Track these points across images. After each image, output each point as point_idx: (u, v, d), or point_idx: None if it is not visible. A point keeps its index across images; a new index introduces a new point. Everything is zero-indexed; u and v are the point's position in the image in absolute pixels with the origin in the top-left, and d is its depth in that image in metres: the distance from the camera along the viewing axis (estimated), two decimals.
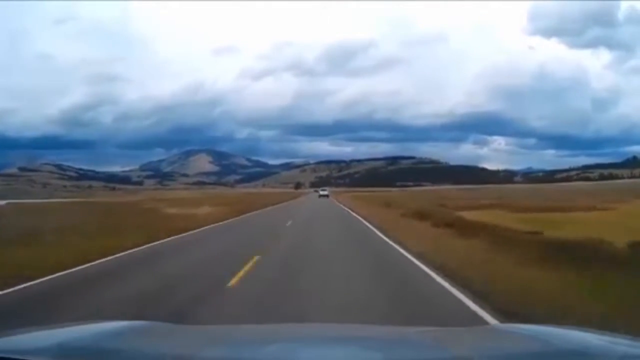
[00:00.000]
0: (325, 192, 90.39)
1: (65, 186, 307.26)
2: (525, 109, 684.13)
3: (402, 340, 2.37)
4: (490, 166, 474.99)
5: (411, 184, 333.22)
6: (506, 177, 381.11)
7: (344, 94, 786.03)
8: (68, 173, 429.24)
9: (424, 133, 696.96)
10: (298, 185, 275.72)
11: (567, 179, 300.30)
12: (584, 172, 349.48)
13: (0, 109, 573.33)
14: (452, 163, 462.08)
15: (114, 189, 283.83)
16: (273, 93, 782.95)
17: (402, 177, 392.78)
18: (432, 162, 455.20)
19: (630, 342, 2.00)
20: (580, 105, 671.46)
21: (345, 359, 2.03)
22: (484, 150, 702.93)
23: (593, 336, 2.12)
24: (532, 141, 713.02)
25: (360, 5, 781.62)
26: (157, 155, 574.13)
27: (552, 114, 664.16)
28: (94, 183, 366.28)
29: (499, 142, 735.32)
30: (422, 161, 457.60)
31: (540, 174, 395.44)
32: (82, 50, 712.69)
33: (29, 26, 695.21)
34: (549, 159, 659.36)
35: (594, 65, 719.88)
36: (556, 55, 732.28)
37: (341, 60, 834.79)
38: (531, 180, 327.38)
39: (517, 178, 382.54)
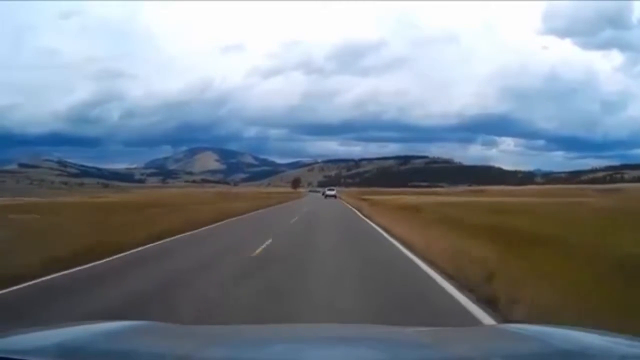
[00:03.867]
0: (333, 192, 77.55)
1: (52, 182, 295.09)
2: (535, 110, 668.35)
3: (402, 340, 2.36)
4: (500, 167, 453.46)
5: (425, 184, 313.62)
6: (524, 178, 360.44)
7: (353, 93, 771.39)
8: (69, 170, 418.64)
9: (433, 133, 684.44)
10: (296, 183, 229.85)
11: (597, 181, 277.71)
12: (616, 173, 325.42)
13: (5, 104, 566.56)
14: (466, 163, 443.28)
15: (106, 186, 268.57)
16: (282, 92, 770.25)
17: (415, 177, 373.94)
18: (445, 161, 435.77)
19: (630, 342, 1.98)
20: (590, 107, 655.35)
21: (345, 359, 2.01)
22: (493, 151, 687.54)
23: (593, 336, 2.11)
24: (540, 142, 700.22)
25: (370, 5, 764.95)
26: (165, 153, 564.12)
27: (561, 115, 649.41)
28: (97, 180, 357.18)
29: (508, 143, 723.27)
30: (434, 160, 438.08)
31: (563, 174, 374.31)
32: (89, 46, 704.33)
33: (33, 21, 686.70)
34: (558, 160, 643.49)
35: (605, 67, 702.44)
36: (568, 57, 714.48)
37: (351, 59, 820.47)
38: (553, 181, 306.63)
39: (538, 179, 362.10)
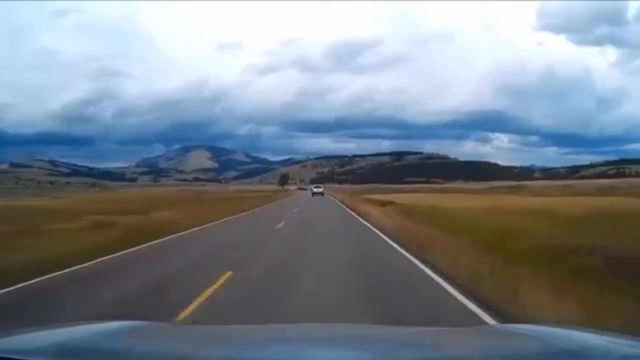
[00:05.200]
0: (320, 190, 79.16)
1: (40, 182, 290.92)
2: (529, 107, 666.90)
3: (402, 340, 2.37)
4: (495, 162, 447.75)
5: (421, 180, 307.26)
6: (522, 173, 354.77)
7: (347, 90, 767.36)
8: (61, 169, 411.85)
9: (426, 130, 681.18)
10: (284, 180, 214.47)
11: (602, 175, 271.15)
12: (621, 168, 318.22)
13: None
14: (461, 159, 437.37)
15: (94, 185, 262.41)
16: (276, 89, 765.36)
17: (410, 173, 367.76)
18: (440, 157, 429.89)
19: (630, 342, 1.98)
20: (584, 103, 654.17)
21: (345, 359, 2.02)
22: (487, 147, 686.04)
23: (593, 336, 2.11)
24: (534, 138, 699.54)
25: (367, 3, 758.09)
26: (158, 151, 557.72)
27: (555, 111, 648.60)
28: (85, 180, 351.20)
29: (501, 139, 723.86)
30: (430, 156, 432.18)
31: (562, 170, 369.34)
32: (83, 45, 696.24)
33: (27, 19, 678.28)
34: (551, 156, 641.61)
35: (600, 63, 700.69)
36: (563, 53, 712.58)
37: (346, 57, 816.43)
38: (553, 177, 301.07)
39: (536, 174, 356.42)
